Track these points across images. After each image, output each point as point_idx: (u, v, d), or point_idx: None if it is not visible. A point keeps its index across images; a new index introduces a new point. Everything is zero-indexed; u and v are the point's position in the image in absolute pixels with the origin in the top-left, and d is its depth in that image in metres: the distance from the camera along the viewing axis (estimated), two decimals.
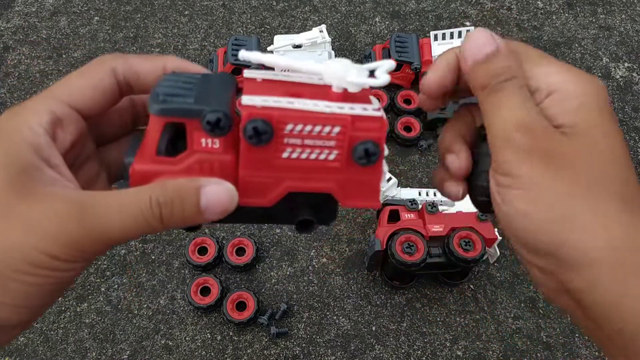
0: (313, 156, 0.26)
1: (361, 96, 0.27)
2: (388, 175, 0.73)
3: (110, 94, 0.28)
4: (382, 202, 0.71)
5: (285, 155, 0.26)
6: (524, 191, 0.25)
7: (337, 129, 0.26)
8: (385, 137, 0.27)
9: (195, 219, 0.25)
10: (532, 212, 0.25)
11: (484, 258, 0.72)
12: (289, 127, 0.25)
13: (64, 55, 0.90)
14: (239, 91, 0.27)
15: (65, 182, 0.25)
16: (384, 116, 0.27)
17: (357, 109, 0.26)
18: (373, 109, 0.26)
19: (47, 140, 0.25)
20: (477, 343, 0.69)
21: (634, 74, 0.88)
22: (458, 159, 0.30)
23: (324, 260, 0.74)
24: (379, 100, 0.26)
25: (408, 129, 0.81)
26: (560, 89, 0.27)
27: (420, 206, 0.69)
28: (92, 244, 0.24)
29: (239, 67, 0.81)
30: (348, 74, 0.26)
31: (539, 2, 0.95)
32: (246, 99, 0.25)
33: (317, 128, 0.26)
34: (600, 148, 0.25)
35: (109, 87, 0.27)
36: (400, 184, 0.78)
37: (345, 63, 0.27)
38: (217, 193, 0.25)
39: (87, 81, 0.27)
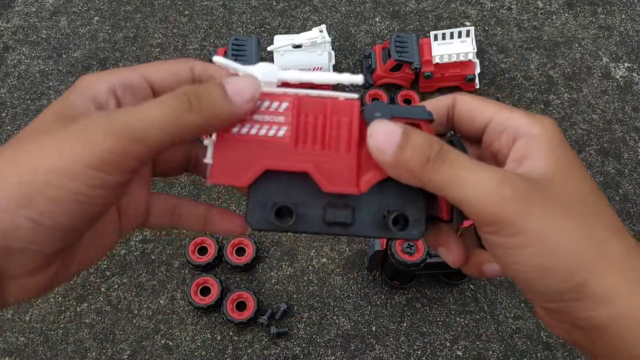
0: (262, 132, 0.27)
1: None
2: None
3: (184, 83, 0.29)
4: None
5: (234, 130, 0.27)
6: (534, 247, 0.25)
7: (284, 105, 0.27)
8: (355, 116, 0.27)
9: (226, 107, 0.25)
10: (548, 266, 0.25)
11: None
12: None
13: (64, 55, 0.90)
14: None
15: None
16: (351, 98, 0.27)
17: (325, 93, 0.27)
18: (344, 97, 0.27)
19: (107, 92, 0.27)
20: (477, 343, 0.69)
21: (634, 74, 0.88)
22: (451, 254, 0.30)
23: (324, 260, 0.74)
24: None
25: None
26: (527, 132, 0.27)
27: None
28: (125, 145, 0.23)
29: None
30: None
31: (539, 2, 0.96)
32: None
33: (266, 103, 0.27)
34: (575, 189, 0.26)
35: (185, 79, 0.29)
36: None
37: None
38: (240, 79, 0.26)
39: (168, 67, 0.29)
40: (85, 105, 0.26)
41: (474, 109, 0.30)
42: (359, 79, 0.28)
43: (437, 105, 0.31)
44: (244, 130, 0.27)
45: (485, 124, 0.29)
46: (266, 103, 0.27)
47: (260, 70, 0.27)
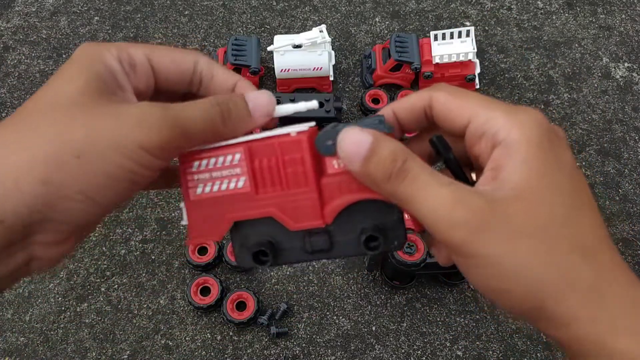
0: (224, 187, 0.28)
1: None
2: None
3: (184, 74, 0.30)
4: None
5: (199, 191, 0.29)
6: (488, 269, 0.25)
7: (237, 156, 0.28)
8: (304, 152, 0.27)
9: (249, 120, 0.28)
10: (504, 289, 0.25)
11: None
12: (195, 165, 0.28)
13: (64, 55, 0.90)
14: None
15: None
16: (296, 133, 0.28)
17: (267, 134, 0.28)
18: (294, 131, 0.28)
19: (121, 70, 0.28)
20: (477, 343, 0.69)
21: (634, 74, 0.88)
22: (440, 254, 0.30)
23: (324, 260, 0.74)
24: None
25: None
26: (504, 139, 0.26)
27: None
28: (176, 134, 0.26)
29: (239, 67, 0.81)
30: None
31: (539, 2, 0.95)
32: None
33: (220, 159, 0.28)
34: (544, 208, 0.25)
35: (186, 71, 0.30)
36: None
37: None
38: (259, 94, 0.29)
39: (173, 56, 0.30)
40: (113, 83, 0.28)
41: (451, 109, 0.28)
42: (313, 104, 0.30)
43: (411, 103, 0.30)
44: (207, 189, 0.28)
45: (464, 125, 0.28)
46: (220, 159, 0.28)
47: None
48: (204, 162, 0.28)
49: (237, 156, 0.28)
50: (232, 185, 0.28)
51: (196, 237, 0.29)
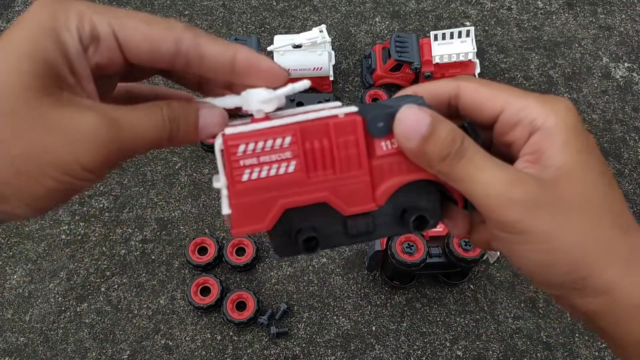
0: (272, 172, 0.27)
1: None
2: None
3: (161, 58, 0.26)
4: None
5: (245, 177, 0.26)
6: (539, 245, 0.26)
7: (288, 139, 0.26)
8: (358, 133, 0.27)
9: (193, 138, 0.27)
10: (552, 262, 0.26)
11: (484, 258, 0.72)
12: (241, 148, 0.26)
13: None
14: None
15: (86, 94, 0.26)
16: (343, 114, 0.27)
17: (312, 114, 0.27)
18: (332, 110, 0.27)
19: (77, 50, 0.25)
20: (477, 343, 0.69)
21: (634, 74, 0.88)
22: (456, 227, 0.31)
23: (324, 260, 0.74)
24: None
25: None
26: (542, 125, 0.27)
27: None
28: (118, 154, 0.25)
29: None
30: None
31: (539, 2, 0.96)
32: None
33: (269, 142, 0.26)
34: (588, 186, 0.27)
35: (165, 52, 0.26)
36: None
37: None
38: (211, 113, 0.27)
39: (147, 32, 0.26)
40: (62, 71, 0.24)
41: (482, 99, 0.28)
42: (353, 109, 0.28)
43: (436, 91, 0.30)
44: (255, 175, 0.27)
45: (496, 114, 0.28)
46: (269, 142, 0.26)
47: (254, 98, 0.27)
48: (251, 145, 0.26)
49: (288, 139, 0.26)
50: (282, 170, 0.27)
51: (242, 226, 0.27)
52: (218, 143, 0.27)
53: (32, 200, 0.25)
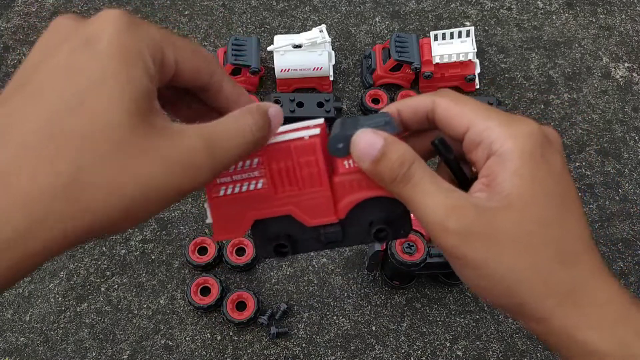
0: (244, 188, 0.30)
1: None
2: None
3: (197, 84, 0.28)
4: None
5: (221, 192, 0.31)
6: (475, 270, 0.27)
7: (256, 160, 0.30)
8: (316, 151, 0.30)
9: (268, 136, 0.28)
10: (489, 287, 0.28)
11: None
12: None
13: None
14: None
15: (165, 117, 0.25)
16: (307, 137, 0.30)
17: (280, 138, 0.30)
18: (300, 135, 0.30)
19: (155, 75, 0.24)
20: (477, 343, 0.69)
21: (634, 74, 0.88)
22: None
23: (324, 260, 0.74)
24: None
25: None
26: (498, 150, 0.28)
27: None
28: (213, 174, 0.25)
29: (239, 67, 0.81)
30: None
31: (539, 2, 0.96)
32: None
33: (240, 164, 0.30)
34: (531, 217, 0.27)
35: (202, 79, 0.28)
36: None
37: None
38: (277, 114, 0.29)
39: (196, 59, 0.27)
40: (152, 91, 0.24)
41: (451, 115, 0.30)
42: (319, 122, 0.31)
43: (414, 106, 0.31)
44: (229, 191, 0.30)
45: (463, 132, 0.29)
46: (240, 163, 0.30)
47: None
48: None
49: (256, 160, 0.30)
50: (252, 186, 0.30)
51: (220, 234, 0.31)
52: None
53: (115, 216, 0.23)
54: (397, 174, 0.28)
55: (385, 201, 0.30)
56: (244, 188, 0.30)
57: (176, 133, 0.24)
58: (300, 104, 0.79)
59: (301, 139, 0.30)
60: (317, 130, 0.30)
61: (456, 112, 0.29)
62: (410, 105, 0.31)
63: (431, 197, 0.27)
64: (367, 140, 0.28)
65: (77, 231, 0.22)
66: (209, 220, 0.31)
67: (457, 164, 0.31)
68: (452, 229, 0.27)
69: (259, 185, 0.30)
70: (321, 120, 0.31)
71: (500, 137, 0.28)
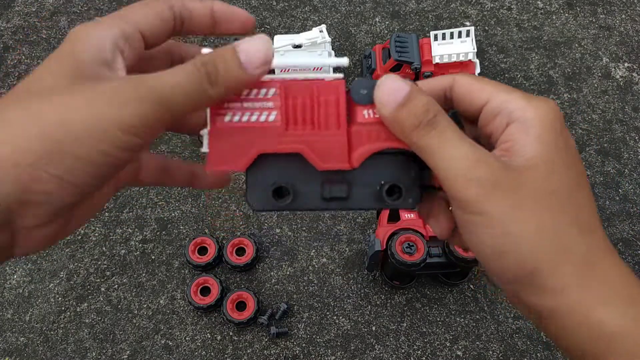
0: (254, 118, 0.28)
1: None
2: None
3: (168, 25, 0.29)
4: None
5: (227, 118, 0.28)
6: (493, 229, 0.26)
7: (272, 90, 0.28)
8: (341, 94, 0.28)
9: (243, 77, 0.27)
10: (504, 250, 0.26)
11: None
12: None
13: None
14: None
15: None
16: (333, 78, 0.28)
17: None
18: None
19: (113, 48, 0.27)
20: (477, 343, 0.69)
21: (634, 74, 0.88)
22: (439, 226, 0.31)
23: (324, 260, 0.74)
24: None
25: None
26: (520, 117, 0.27)
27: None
28: (154, 109, 0.24)
29: None
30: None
31: (539, 2, 0.96)
32: None
33: (254, 91, 0.28)
34: (553, 180, 0.26)
35: (168, 18, 0.29)
36: None
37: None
38: (252, 44, 0.27)
39: (151, 10, 0.29)
40: (96, 65, 0.26)
41: (472, 89, 0.29)
42: (344, 61, 0.30)
43: (433, 85, 0.31)
44: (236, 118, 0.28)
45: (482, 105, 0.29)
46: (254, 91, 0.28)
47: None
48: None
49: (272, 90, 0.28)
50: (262, 117, 0.28)
51: (217, 164, 0.28)
52: None
53: (66, 173, 0.24)
54: (421, 119, 0.27)
55: (397, 165, 0.29)
56: (254, 118, 0.28)
57: (110, 77, 0.26)
58: None
59: (322, 80, 0.29)
60: (340, 75, 0.29)
61: (477, 87, 0.29)
62: (427, 85, 0.31)
63: (457, 147, 0.26)
64: (393, 85, 0.28)
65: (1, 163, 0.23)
66: (205, 149, 0.29)
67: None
68: (478, 179, 0.26)
69: (271, 118, 0.28)
70: (341, 75, 0.29)
71: (521, 106, 0.27)
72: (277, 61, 0.29)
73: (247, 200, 0.29)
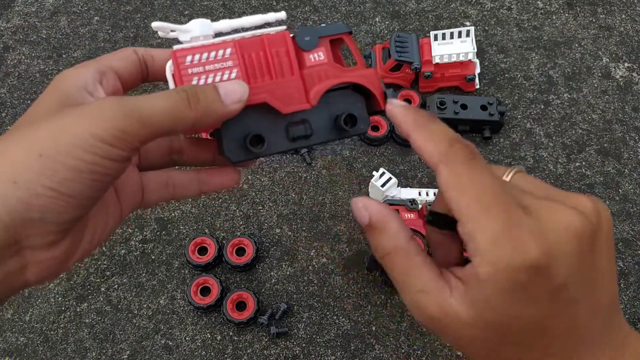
0: (217, 79, 0.31)
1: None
2: (387, 175, 0.73)
3: (135, 65, 0.34)
4: (382, 202, 0.71)
5: (194, 82, 0.31)
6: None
7: (228, 50, 0.31)
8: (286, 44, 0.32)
9: (220, 107, 0.29)
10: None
11: None
12: (189, 59, 0.31)
13: (64, 55, 0.90)
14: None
15: None
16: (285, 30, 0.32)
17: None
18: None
19: (93, 81, 0.31)
20: None
21: (634, 74, 0.88)
22: (447, 257, 0.34)
23: (324, 260, 0.74)
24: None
25: None
26: (473, 274, 0.27)
27: (420, 206, 0.69)
28: (130, 123, 0.27)
29: None
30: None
31: (539, 2, 0.96)
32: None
33: (212, 54, 0.31)
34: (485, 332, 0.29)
35: (134, 60, 0.34)
36: (400, 184, 0.78)
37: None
38: (230, 83, 0.30)
39: (120, 54, 0.34)
40: (80, 94, 0.30)
41: (448, 197, 0.28)
42: (282, 15, 0.33)
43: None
44: (202, 81, 0.31)
45: (456, 216, 0.28)
46: (212, 53, 0.31)
47: (196, 26, 0.32)
48: (197, 56, 0.30)
49: (228, 50, 0.31)
50: (225, 77, 0.31)
51: None
52: (168, 65, 0.31)
53: (61, 185, 0.26)
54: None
55: (346, 99, 0.33)
56: (217, 78, 0.31)
57: (87, 102, 0.30)
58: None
59: (268, 34, 0.32)
60: (284, 28, 0.32)
61: (453, 194, 0.27)
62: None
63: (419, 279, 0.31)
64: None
65: None
66: None
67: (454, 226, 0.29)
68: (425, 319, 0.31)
69: (233, 75, 0.31)
70: (284, 27, 0.33)
71: (478, 262, 0.26)
72: (222, 24, 0.32)
73: (224, 154, 0.32)
